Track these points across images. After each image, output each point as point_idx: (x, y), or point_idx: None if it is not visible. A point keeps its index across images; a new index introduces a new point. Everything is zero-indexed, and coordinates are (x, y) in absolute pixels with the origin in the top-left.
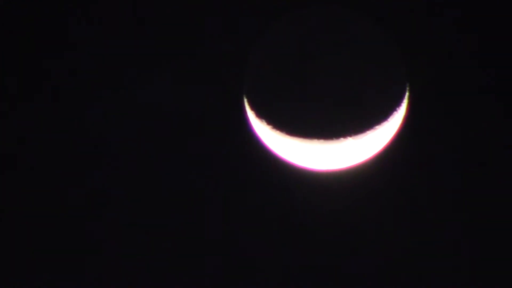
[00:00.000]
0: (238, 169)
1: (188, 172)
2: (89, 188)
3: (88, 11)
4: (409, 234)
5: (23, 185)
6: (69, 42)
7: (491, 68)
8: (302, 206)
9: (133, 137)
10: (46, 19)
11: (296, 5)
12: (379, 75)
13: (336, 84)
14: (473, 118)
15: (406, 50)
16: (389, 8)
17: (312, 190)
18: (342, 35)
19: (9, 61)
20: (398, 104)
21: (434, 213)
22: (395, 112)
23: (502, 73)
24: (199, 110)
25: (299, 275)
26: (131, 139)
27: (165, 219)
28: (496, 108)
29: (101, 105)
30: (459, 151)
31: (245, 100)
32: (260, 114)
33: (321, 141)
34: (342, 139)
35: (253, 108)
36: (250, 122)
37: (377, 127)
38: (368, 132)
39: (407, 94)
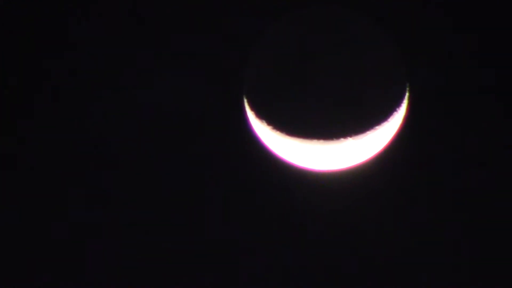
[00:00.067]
0: (238, 169)
1: (188, 172)
2: (89, 188)
3: (88, 11)
4: (409, 234)
5: (23, 185)
6: (69, 42)
7: (491, 68)
8: (302, 206)
9: (133, 137)
10: (46, 19)
11: (296, 5)
12: (379, 75)
13: (336, 84)
14: (473, 118)
15: (406, 50)
16: (389, 8)
17: (312, 190)
18: (342, 35)
19: (9, 61)
20: (398, 104)
21: (434, 213)
22: (395, 112)
23: (502, 73)
24: (199, 110)
25: (299, 275)
26: (131, 139)
27: (165, 219)
28: (496, 108)
29: (101, 105)
30: (459, 151)
31: (245, 100)
32: (260, 114)
33: (321, 141)
34: (342, 139)
35: (253, 108)
36: (250, 122)
37: (377, 127)
38: (368, 132)
39: (407, 94)
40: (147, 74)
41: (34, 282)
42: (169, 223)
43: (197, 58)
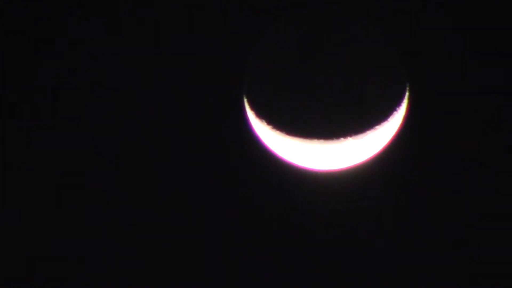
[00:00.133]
0: (238, 169)
1: (188, 172)
2: (89, 188)
3: (88, 11)
4: (409, 234)
5: (23, 185)
6: (69, 42)
7: (491, 68)
8: (302, 206)
9: (133, 137)
10: (46, 19)
11: (296, 5)
12: (379, 75)
13: (336, 84)
14: (473, 118)
15: (406, 50)
16: (389, 8)
17: (312, 190)
18: (342, 35)
19: (9, 61)
20: (398, 104)
21: (434, 213)
22: (395, 112)
23: (502, 73)
24: (199, 110)
25: (299, 275)
26: (131, 139)
27: (165, 219)
28: (496, 108)
29: (101, 105)
30: (459, 151)
31: (245, 100)
32: (260, 114)
33: (321, 141)
34: (342, 139)
35: (253, 108)
36: (250, 122)
37: (377, 127)
38: (368, 132)
39: (407, 94)
40: (147, 74)
41: (34, 282)
42: (169, 223)
43: (197, 58)
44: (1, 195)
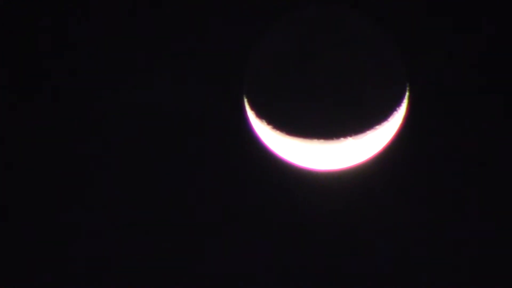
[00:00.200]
0: (238, 169)
1: (188, 172)
2: (89, 188)
3: (88, 11)
4: (409, 234)
5: (23, 185)
6: (69, 42)
7: (491, 68)
8: (302, 206)
9: (133, 137)
10: (46, 19)
11: (296, 5)
12: (379, 75)
13: (336, 84)
14: (473, 118)
15: (406, 50)
16: (389, 8)
17: (312, 190)
18: (342, 35)
19: (9, 61)
20: (398, 104)
21: (434, 213)
22: (395, 112)
23: (502, 73)
24: (199, 110)
25: (299, 275)
26: (131, 139)
27: (165, 219)
28: (496, 108)
29: (101, 105)
30: (459, 151)
31: (245, 100)
32: (260, 114)
33: (321, 141)
34: (342, 139)
35: (253, 108)
36: (250, 122)
37: (377, 127)
38: (368, 132)
39: (407, 94)
40: (147, 74)
41: (34, 282)
42: (169, 223)
43: (197, 58)
44: (1, 195)
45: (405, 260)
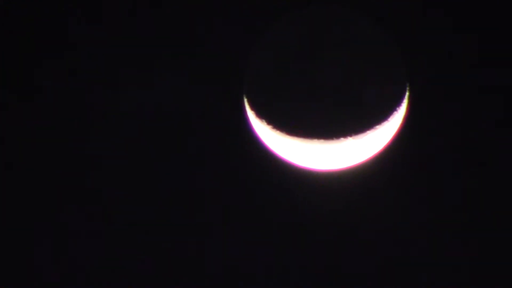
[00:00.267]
0: (238, 169)
1: (188, 172)
2: (89, 188)
3: (88, 11)
4: (409, 234)
5: (23, 185)
6: (69, 42)
7: (491, 68)
8: (302, 206)
9: (133, 137)
10: (46, 19)
11: (296, 5)
12: (379, 75)
13: (336, 84)
14: (473, 118)
15: (406, 50)
16: (389, 8)
17: (312, 190)
18: (342, 35)
19: (9, 61)
20: (398, 104)
21: (434, 213)
22: (395, 112)
23: (502, 73)
24: (199, 110)
25: (299, 275)
26: (131, 139)
27: (165, 219)
28: (496, 108)
29: (101, 105)
30: (459, 151)
31: (245, 100)
32: (260, 114)
33: (321, 141)
34: (342, 139)
35: (253, 108)
36: (250, 122)
37: (377, 127)
38: (368, 132)
39: (407, 94)
40: (147, 74)
41: (34, 282)
42: (169, 223)
43: (197, 58)
44: (1, 195)
45: (405, 260)
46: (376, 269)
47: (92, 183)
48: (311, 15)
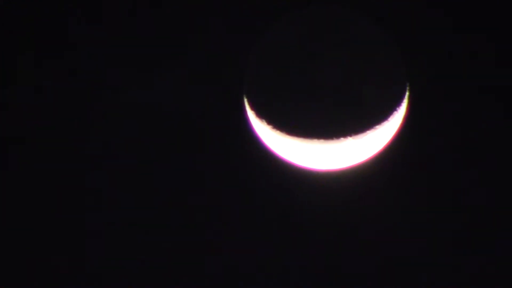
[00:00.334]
0: (238, 169)
1: (188, 172)
2: (89, 188)
3: (88, 11)
4: (409, 234)
5: (23, 185)
6: (69, 42)
7: (491, 68)
8: (302, 206)
9: (133, 137)
10: (46, 19)
11: (296, 5)
12: (379, 75)
13: (336, 84)
14: (473, 118)
15: (406, 50)
16: (389, 8)
17: (312, 190)
18: (342, 35)
19: (9, 61)
20: (398, 104)
21: (434, 213)
22: (395, 112)
23: (502, 73)
24: (199, 110)
25: (299, 275)
26: (131, 139)
27: (165, 219)
28: (496, 108)
29: (101, 105)
30: (459, 151)
31: (245, 100)
32: (260, 114)
33: (321, 141)
34: (342, 139)
35: (253, 108)
36: (250, 122)
37: (377, 127)
38: (368, 132)
39: (407, 94)
40: (147, 74)
41: (33, 282)
42: (169, 223)
43: (197, 58)
44: (1, 195)
45: (405, 260)
46: (376, 269)
47: (92, 183)
48: (311, 15)
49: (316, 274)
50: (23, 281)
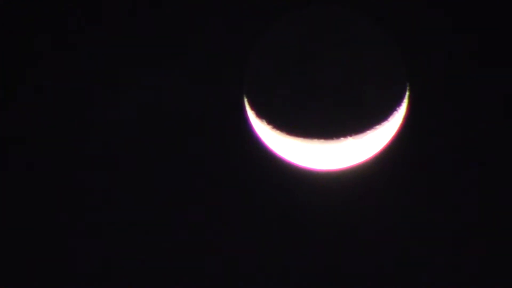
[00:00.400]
0: (238, 169)
1: (188, 172)
2: (89, 188)
3: (88, 11)
4: (409, 234)
5: (23, 185)
6: (69, 42)
7: (491, 68)
8: (302, 206)
9: (133, 137)
10: (46, 19)
11: (296, 5)
12: (379, 75)
13: (336, 84)
14: (473, 118)
15: (406, 50)
16: (389, 8)
17: (312, 190)
18: (342, 35)
19: (9, 61)
20: (398, 104)
21: (434, 213)
22: (395, 112)
23: (502, 73)
24: (199, 110)
25: (299, 275)
26: (131, 139)
27: (165, 219)
28: (496, 108)
29: (101, 105)
30: (459, 151)
31: (245, 100)
32: (260, 114)
33: (321, 141)
34: (342, 139)
35: (253, 108)
36: (250, 122)
37: (377, 127)
38: (368, 132)
39: (407, 94)
40: (147, 74)
41: (34, 282)
42: (169, 223)
43: (197, 58)
44: (1, 195)
45: (405, 260)
46: (376, 269)
47: (92, 183)
48: (311, 15)
49: (316, 274)
50: (23, 281)
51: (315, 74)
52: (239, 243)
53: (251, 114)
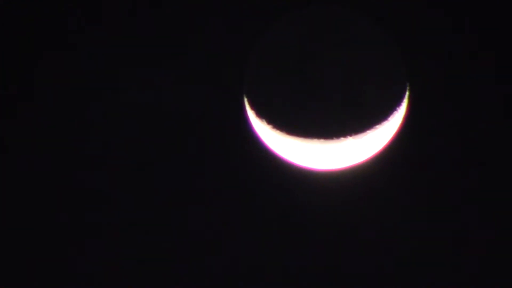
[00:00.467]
0: (238, 169)
1: (188, 172)
2: (89, 188)
3: (88, 11)
4: (409, 234)
5: (22, 185)
6: (69, 42)
7: (491, 68)
8: (302, 206)
9: (133, 137)
10: (46, 19)
11: (296, 5)
12: (379, 75)
13: (336, 84)
14: (473, 118)
15: (406, 50)
16: (389, 8)
17: (312, 190)
18: (342, 35)
19: (9, 61)
20: (398, 104)
21: (434, 213)
22: (395, 112)
23: (502, 73)
24: (199, 110)
25: (299, 275)
26: (131, 139)
27: (165, 219)
28: (496, 108)
29: (101, 105)
30: (459, 151)
31: (245, 100)
32: (260, 114)
33: (321, 141)
34: (342, 139)
35: (253, 108)
36: (250, 122)
37: (377, 127)
38: (368, 132)
39: (407, 94)
40: (147, 74)
41: (34, 282)
42: (169, 223)
43: (197, 58)
44: (1, 195)
45: (405, 260)
46: (376, 269)
47: (92, 183)
48: (311, 15)
49: (316, 274)
50: (23, 281)
51: (315, 74)
52: (239, 243)
53: (251, 114)
